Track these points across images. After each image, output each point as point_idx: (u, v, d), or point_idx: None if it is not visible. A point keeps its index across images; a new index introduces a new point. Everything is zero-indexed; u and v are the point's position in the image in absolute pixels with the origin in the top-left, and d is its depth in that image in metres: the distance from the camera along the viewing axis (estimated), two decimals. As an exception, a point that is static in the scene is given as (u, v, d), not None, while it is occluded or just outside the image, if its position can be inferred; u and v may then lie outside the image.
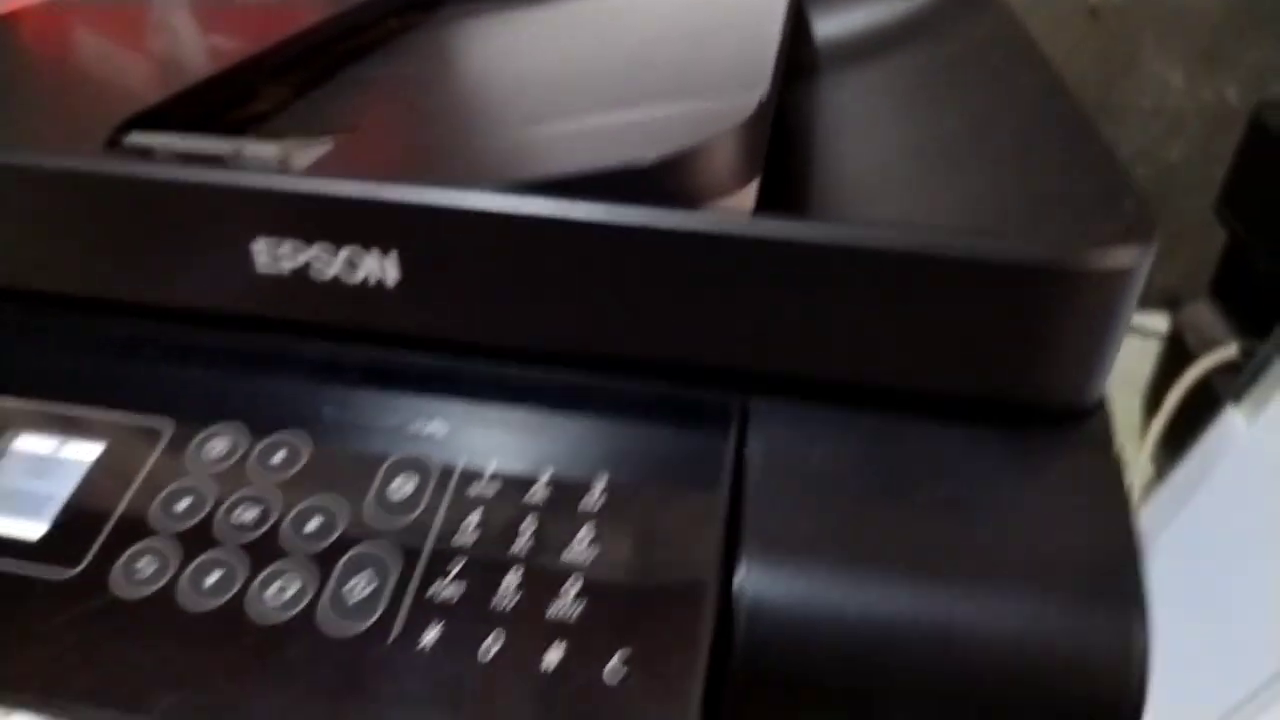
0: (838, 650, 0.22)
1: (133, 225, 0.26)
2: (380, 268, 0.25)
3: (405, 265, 0.25)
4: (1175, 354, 0.53)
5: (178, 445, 0.26)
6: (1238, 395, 0.41)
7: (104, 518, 0.24)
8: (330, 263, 0.25)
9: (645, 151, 0.24)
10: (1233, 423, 0.40)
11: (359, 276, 0.25)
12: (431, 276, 0.25)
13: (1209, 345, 0.48)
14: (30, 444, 0.26)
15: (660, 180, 0.24)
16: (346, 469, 0.25)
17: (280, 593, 0.23)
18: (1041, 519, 0.23)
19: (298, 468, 0.25)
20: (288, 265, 0.25)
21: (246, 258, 0.25)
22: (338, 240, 0.25)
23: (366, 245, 0.25)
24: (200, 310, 0.27)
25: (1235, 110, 0.60)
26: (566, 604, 0.22)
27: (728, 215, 0.24)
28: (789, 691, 0.22)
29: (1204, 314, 0.52)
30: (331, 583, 0.23)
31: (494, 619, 0.22)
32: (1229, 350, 0.47)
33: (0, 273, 0.28)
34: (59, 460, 0.26)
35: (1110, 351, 0.23)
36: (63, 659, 0.22)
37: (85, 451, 0.26)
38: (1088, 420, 0.25)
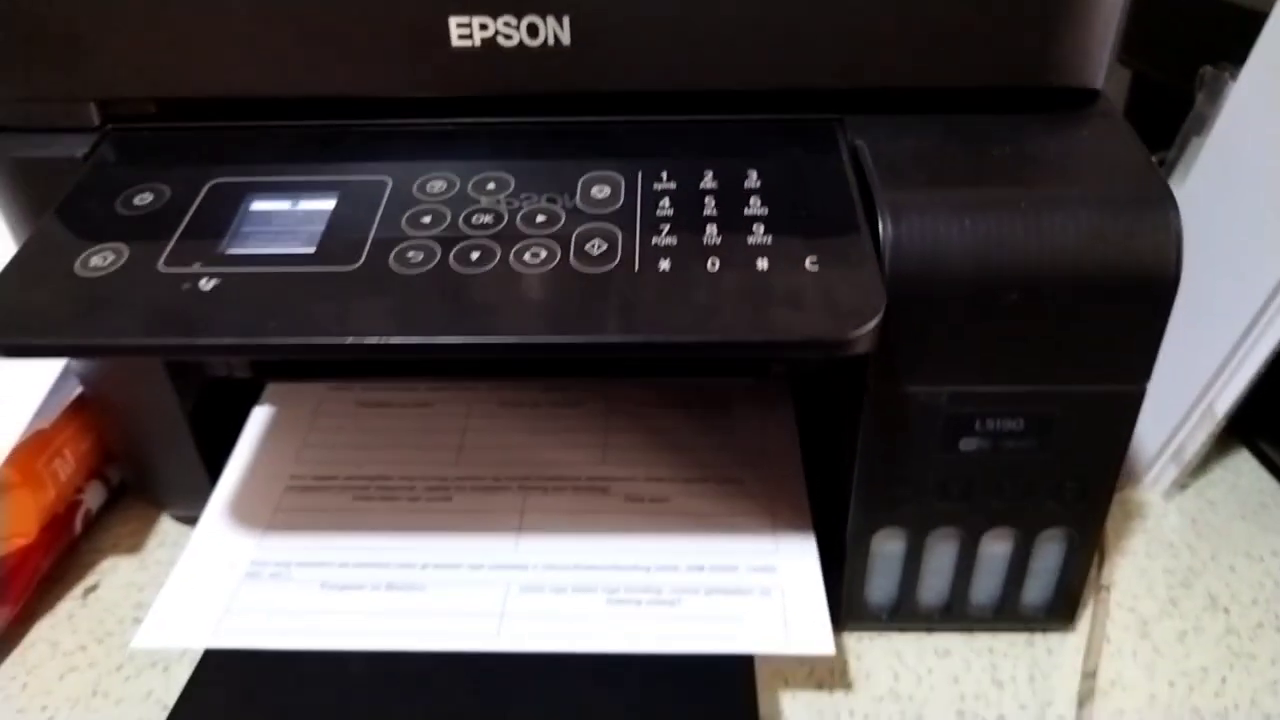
0: (956, 260, 0.29)
1: (344, 20, 0.31)
2: (555, 31, 0.31)
3: (576, 28, 0.31)
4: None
5: (402, 188, 0.31)
6: (1168, 171, 0.52)
7: (363, 235, 0.30)
8: (514, 31, 0.31)
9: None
10: (1166, 192, 0.50)
11: (537, 41, 0.31)
12: (598, 33, 0.31)
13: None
14: (267, 205, 0.31)
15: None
16: (550, 187, 0.31)
17: (535, 257, 0.28)
18: (1086, 156, 0.31)
19: (509, 191, 0.31)
20: (480, 37, 0.31)
21: (444, 35, 0.31)
22: (519, 10, 0.31)
23: (543, 13, 0.31)
24: (402, 99, 0.33)
25: None
26: (759, 236, 0.29)
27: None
28: (927, 292, 0.29)
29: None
30: (572, 247, 0.29)
31: (708, 250, 0.28)
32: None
33: (221, 81, 0.33)
34: (301, 211, 0.31)
35: (1113, 33, 0.32)
36: (394, 313, 0.27)
37: (322, 203, 0.31)
38: (1097, 100, 0.33)
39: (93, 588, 0.42)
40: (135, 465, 0.43)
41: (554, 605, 0.35)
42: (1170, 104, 0.56)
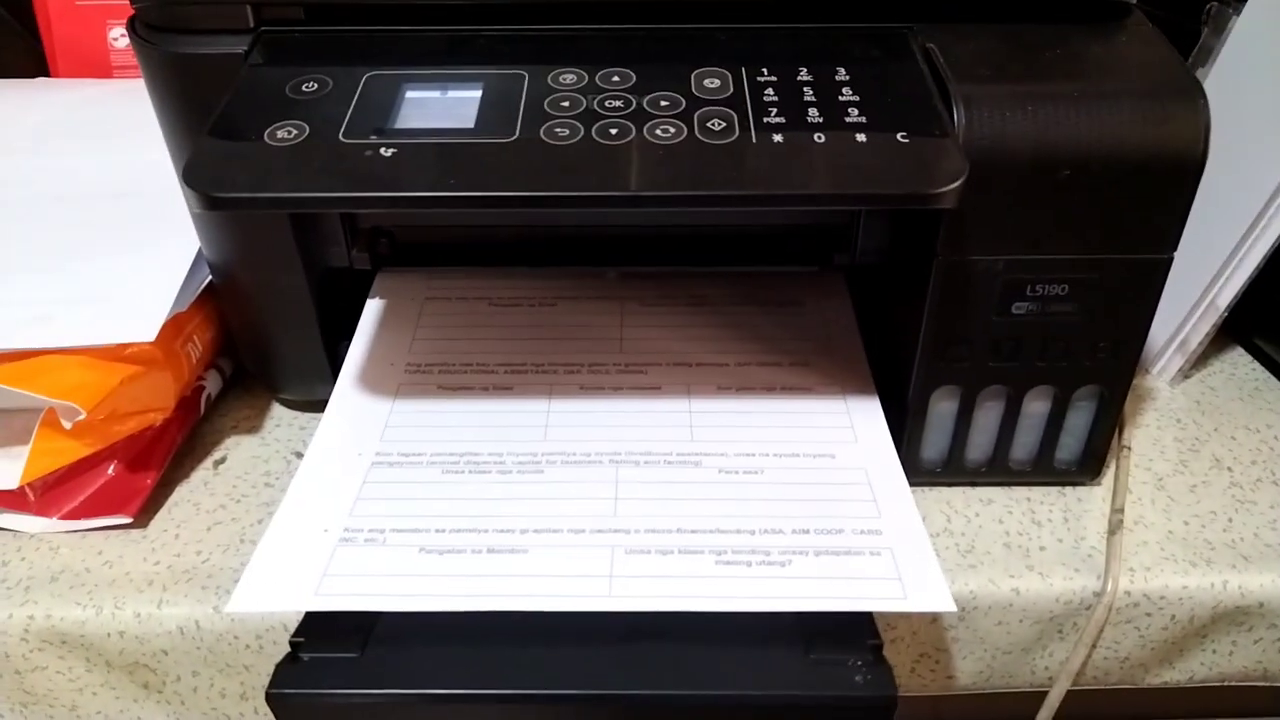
0: (1018, 142, 0.34)
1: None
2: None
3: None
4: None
5: (539, 80, 0.36)
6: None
7: (512, 115, 0.34)
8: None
9: None
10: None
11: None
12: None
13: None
14: (420, 93, 0.36)
15: None
16: (668, 79, 0.36)
17: (665, 132, 0.33)
18: (1126, 57, 0.37)
19: (632, 82, 0.36)
20: (603, -52, 0.36)
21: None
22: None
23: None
24: (524, 4, 0.37)
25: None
26: (855, 117, 0.34)
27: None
28: (993, 170, 0.34)
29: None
30: (696, 124, 0.34)
31: (814, 127, 0.33)
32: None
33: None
34: (452, 98, 0.35)
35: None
36: (557, 173, 0.32)
37: (469, 92, 0.35)
38: (1131, 12, 0.38)
39: (221, 460, 0.46)
40: (258, 350, 0.47)
41: (662, 567, 0.35)
42: (1179, 38, 0.62)
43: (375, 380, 0.45)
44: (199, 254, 0.45)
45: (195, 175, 0.32)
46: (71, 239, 0.49)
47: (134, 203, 0.52)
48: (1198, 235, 0.48)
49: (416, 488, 0.39)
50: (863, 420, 0.42)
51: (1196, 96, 0.35)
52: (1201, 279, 0.49)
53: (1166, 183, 0.35)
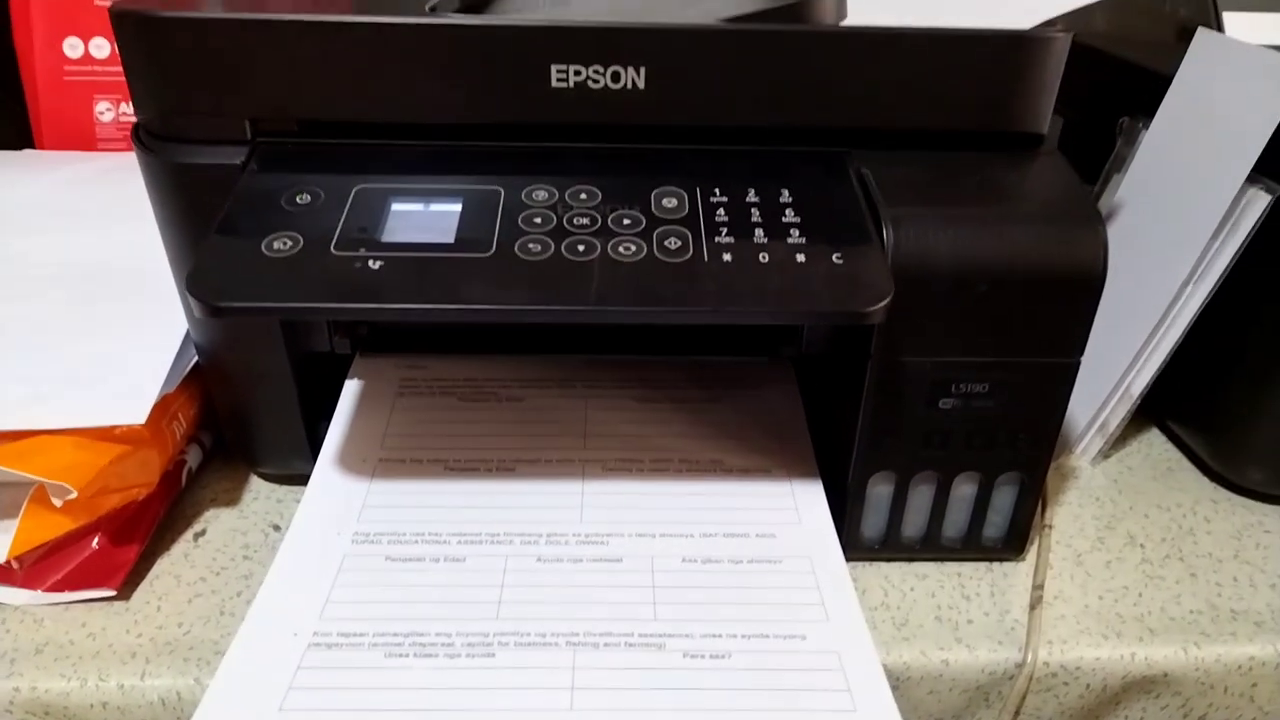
0: (941, 259, 0.39)
1: (464, 63, 0.40)
2: (633, 78, 0.40)
3: (649, 76, 0.40)
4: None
5: (513, 195, 0.39)
6: (1094, 199, 0.62)
7: (489, 229, 0.38)
8: (601, 76, 0.40)
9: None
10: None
11: (619, 85, 0.40)
12: (667, 80, 0.40)
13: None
14: (405, 206, 0.39)
15: (796, 12, 0.41)
16: (630, 197, 0.40)
17: (627, 249, 0.37)
18: (1037, 184, 0.41)
19: (598, 200, 0.39)
20: (573, 80, 0.40)
21: (545, 78, 0.40)
22: (605, 61, 0.40)
23: (625, 64, 0.40)
24: (507, 124, 0.41)
25: None
26: (795, 238, 0.38)
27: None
28: (919, 284, 0.39)
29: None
30: (654, 244, 0.37)
31: (758, 248, 0.37)
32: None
33: (356, 108, 0.40)
34: (434, 211, 0.39)
35: (1054, 93, 0.42)
36: (532, 288, 0.35)
37: (450, 206, 0.39)
38: (1045, 142, 0.43)
39: (201, 533, 0.48)
40: (239, 427, 0.50)
41: None
42: (1095, 146, 0.67)
43: (317, 550, 0.44)
44: (186, 335, 0.48)
45: (198, 285, 0.35)
46: (63, 318, 0.51)
47: (123, 281, 0.54)
48: (1114, 328, 0.52)
49: (354, 675, 0.37)
50: (830, 587, 0.42)
51: (1096, 223, 0.40)
52: (1118, 368, 0.54)
53: (1071, 297, 0.40)
